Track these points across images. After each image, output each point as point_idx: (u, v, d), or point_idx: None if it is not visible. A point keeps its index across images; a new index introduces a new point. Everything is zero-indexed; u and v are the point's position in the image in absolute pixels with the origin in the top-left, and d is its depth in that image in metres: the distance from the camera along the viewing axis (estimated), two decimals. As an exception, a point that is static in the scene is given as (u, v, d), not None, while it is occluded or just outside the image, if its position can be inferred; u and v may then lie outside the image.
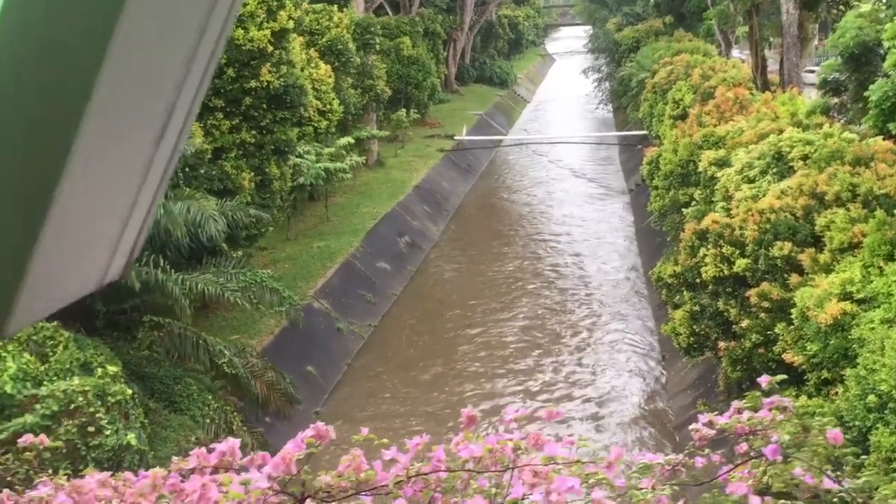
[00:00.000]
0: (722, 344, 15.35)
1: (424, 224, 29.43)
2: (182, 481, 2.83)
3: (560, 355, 20.46)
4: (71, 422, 11.50)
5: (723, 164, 17.40)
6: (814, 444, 2.78)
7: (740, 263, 14.81)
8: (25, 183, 0.48)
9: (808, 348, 13.24)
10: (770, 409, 2.77)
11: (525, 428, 3.04)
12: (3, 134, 0.48)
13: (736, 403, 2.94)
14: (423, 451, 2.70)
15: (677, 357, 19.08)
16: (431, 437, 2.93)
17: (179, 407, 15.54)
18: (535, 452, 2.75)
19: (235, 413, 16.00)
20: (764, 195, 15.66)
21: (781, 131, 17.03)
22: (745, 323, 14.84)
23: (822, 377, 13.31)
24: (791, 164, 16.23)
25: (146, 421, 13.44)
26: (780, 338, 13.99)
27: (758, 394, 2.81)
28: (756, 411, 3.02)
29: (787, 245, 14.44)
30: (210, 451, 2.70)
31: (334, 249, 24.06)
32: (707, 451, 2.93)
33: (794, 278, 14.20)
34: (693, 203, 18.33)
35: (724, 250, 15.11)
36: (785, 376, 3.67)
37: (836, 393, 12.44)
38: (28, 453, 3.69)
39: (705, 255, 15.39)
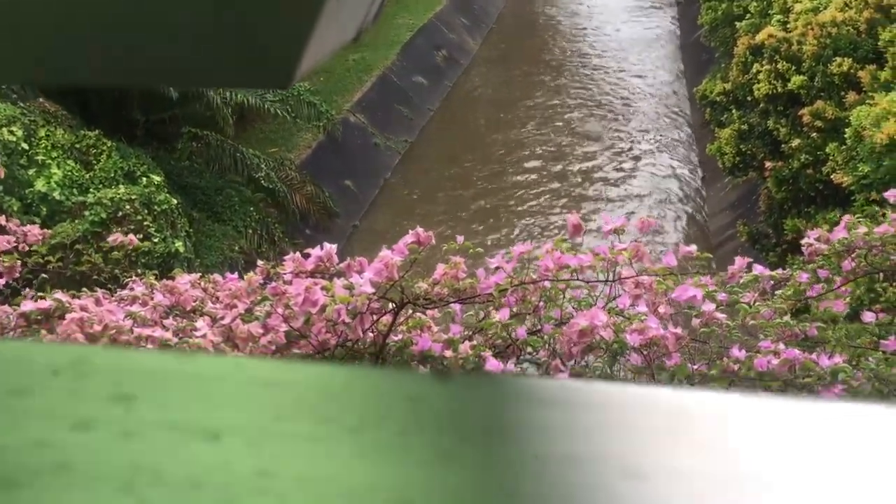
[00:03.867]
0: (769, 164, 15.04)
1: (462, 37, 28.51)
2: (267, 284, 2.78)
3: (596, 168, 20.31)
4: (119, 229, 11.63)
5: (783, -27, 16.37)
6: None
7: (796, 80, 14.24)
8: None
9: (860, 169, 12.92)
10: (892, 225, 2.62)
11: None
12: None
13: (847, 218, 2.79)
14: (524, 259, 2.61)
15: (718, 177, 18.85)
16: (483, 250, 2.84)
17: (222, 217, 15.71)
18: (636, 263, 2.65)
19: (277, 224, 16.18)
20: (825, 7, 14.82)
21: (850, -63, 15.86)
22: (795, 143, 14.46)
23: (871, 198, 13.09)
24: (858, -26, 15.23)
25: (191, 230, 13.62)
26: (831, 158, 13.64)
27: (877, 209, 2.66)
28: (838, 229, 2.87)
29: (847, 61, 13.81)
30: (306, 256, 2.63)
31: (370, 62, 23.47)
32: (812, 266, 2.82)
33: (851, 96, 13.68)
34: (748, 16, 17.45)
35: (779, 66, 14.50)
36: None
37: (884, 214, 12.26)
38: (116, 253, 3.69)
39: (759, 72, 14.79)
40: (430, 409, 0.35)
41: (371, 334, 2.63)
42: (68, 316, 2.42)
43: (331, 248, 2.61)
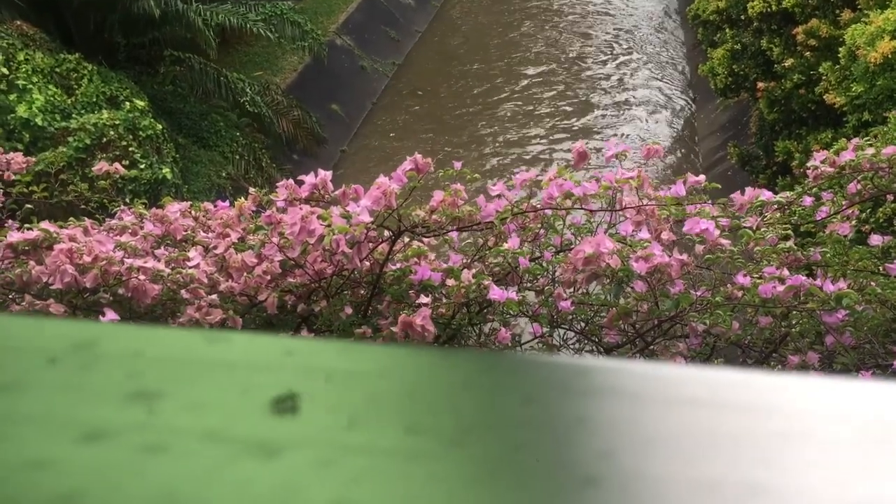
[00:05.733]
0: (761, 84, 14.88)
1: (448, -46, 27.76)
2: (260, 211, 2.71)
3: (588, 91, 20.06)
4: (105, 155, 11.46)
5: None
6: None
7: (790, -2, 13.98)
8: None
9: (853, 89, 12.80)
10: (901, 146, 2.56)
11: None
12: None
13: (856, 141, 2.72)
14: (527, 187, 2.54)
15: (709, 99, 18.68)
16: (476, 178, 2.78)
17: (208, 143, 15.49)
18: (639, 191, 2.58)
19: (264, 150, 15.98)
20: (823, -78, 14.45)
21: None
22: (788, 62, 14.28)
23: (863, 119, 12.98)
24: None
25: (177, 156, 13.43)
26: (824, 78, 13.48)
27: (885, 129, 2.59)
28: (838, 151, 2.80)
29: (844, -22, 13.54)
30: (300, 183, 2.55)
31: (355, -19, 22.89)
32: (815, 189, 2.77)
33: (846, 14, 13.47)
34: (742, -69, 17.00)
35: (774, -17, 14.21)
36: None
37: (876, 135, 12.17)
38: (102, 182, 3.56)
39: (753, -11, 14.51)
40: (551, 413, 0.25)
41: (367, 263, 2.58)
42: (56, 247, 2.34)
43: (326, 174, 2.52)
